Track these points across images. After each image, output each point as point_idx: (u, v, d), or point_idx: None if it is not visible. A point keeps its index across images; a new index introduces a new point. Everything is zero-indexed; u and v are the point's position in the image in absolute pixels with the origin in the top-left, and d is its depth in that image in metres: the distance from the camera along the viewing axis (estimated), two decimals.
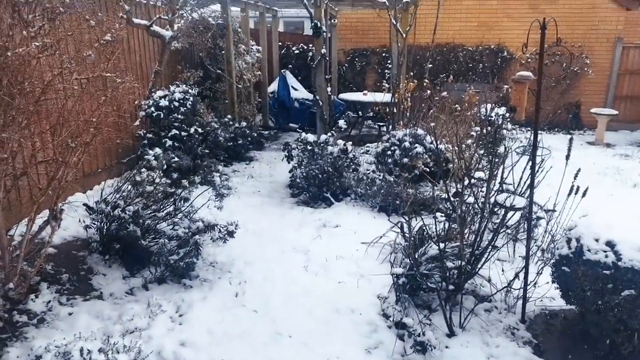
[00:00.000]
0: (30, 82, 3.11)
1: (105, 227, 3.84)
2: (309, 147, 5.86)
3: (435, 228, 3.64)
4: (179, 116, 5.98)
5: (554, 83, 10.31)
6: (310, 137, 5.94)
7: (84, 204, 3.98)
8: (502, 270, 3.71)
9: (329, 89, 7.72)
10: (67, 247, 3.91)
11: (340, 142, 5.99)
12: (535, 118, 3.20)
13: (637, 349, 2.74)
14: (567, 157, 3.71)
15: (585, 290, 2.88)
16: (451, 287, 3.40)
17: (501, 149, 4.07)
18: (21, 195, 4.13)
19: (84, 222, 3.93)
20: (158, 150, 5.12)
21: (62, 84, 3.71)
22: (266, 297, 3.66)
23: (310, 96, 9.20)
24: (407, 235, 3.83)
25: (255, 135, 8.03)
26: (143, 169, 4.27)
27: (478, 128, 6.25)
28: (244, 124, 7.63)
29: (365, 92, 9.47)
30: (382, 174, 5.84)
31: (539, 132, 3.27)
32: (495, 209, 3.66)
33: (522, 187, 3.64)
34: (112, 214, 3.79)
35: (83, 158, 3.52)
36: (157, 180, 4.22)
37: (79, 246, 3.95)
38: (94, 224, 3.87)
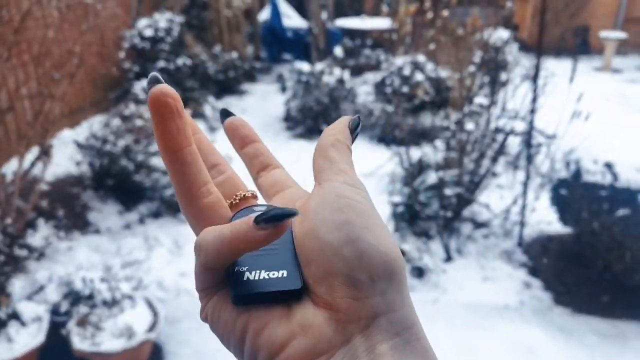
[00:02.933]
0: (7, 11, 2.91)
1: (97, 163, 3.77)
2: (304, 78, 5.67)
3: (435, 156, 3.59)
4: (165, 47, 5.72)
5: (563, 5, 9.85)
6: (305, 67, 5.73)
7: (74, 140, 3.88)
8: (501, 197, 3.71)
9: (324, 16, 7.36)
10: (60, 184, 3.87)
11: (337, 71, 5.80)
12: (539, 38, 3.04)
13: (629, 267, 2.79)
14: (571, 79, 3.59)
15: (581, 212, 2.89)
16: (449, 214, 3.40)
17: (504, 75, 3.93)
18: (9, 130, 4.02)
19: (74, 158, 3.86)
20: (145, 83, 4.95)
21: (41, 11, 3.49)
22: None
23: (304, 24, 8.80)
24: (405, 164, 3.79)
25: (247, 67, 7.76)
26: (131, 103, 4.13)
27: (481, 53, 6.04)
28: (234, 55, 7.34)
29: (363, 17, 9.05)
30: (380, 105, 5.70)
31: (544, 57, 3.13)
32: (496, 135, 3.59)
33: (524, 112, 3.55)
34: (103, 149, 3.70)
35: (69, 91, 3.38)
36: (146, 114, 4.09)
37: (72, 183, 3.91)
38: (85, 159, 3.79)
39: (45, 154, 3.40)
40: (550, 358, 2.54)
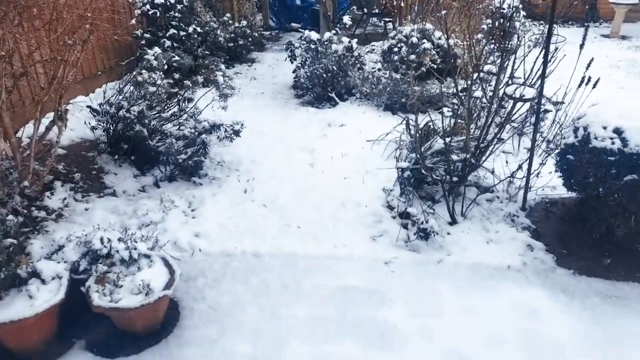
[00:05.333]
0: None
1: (112, 128, 3.85)
2: (313, 46, 5.66)
3: (442, 123, 3.63)
4: (176, 14, 5.71)
5: None
6: (314, 36, 5.71)
7: (88, 106, 3.95)
8: (506, 162, 3.76)
9: None
10: (76, 148, 3.96)
11: (345, 39, 5.77)
12: (552, 4, 3.02)
13: (632, 231, 2.85)
14: (581, 46, 3.58)
15: (588, 177, 2.93)
16: (455, 179, 3.46)
17: (513, 41, 3.91)
18: (23, 96, 4.09)
19: (89, 123, 3.94)
20: (157, 49, 4.96)
21: None
22: (274, 194, 3.76)
23: None
24: (412, 130, 3.83)
25: (256, 35, 7.72)
26: (143, 70, 4.17)
27: (489, 21, 5.97)
28: (244, 23, 7.30)
29: None
30: (387, 72, 5.69)
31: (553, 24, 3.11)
32: (504, 102, 3.61)
33: (532, 79, 3.55)
34: (117, 114, 3.78)
35: (82, 57, 3.43)
36: (159, 81, 4.14)
37: (87, 147, 4.00)
38: (100, 125, 3.88)
39: (60, 118, 3.48)
40: (552, 318, 2.62)
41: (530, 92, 3.56)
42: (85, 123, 3.93)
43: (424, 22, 5.89)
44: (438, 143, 3.64)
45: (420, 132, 3.79)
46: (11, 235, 2.55)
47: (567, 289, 2.83)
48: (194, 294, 2.81)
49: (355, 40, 5.87)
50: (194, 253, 3.10)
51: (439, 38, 5.70)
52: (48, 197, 3.34)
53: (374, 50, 7.01)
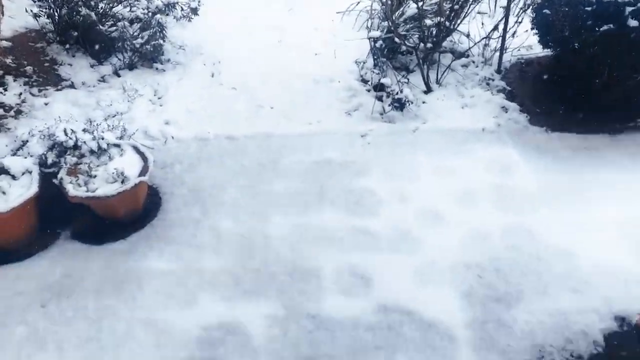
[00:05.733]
0: None
1: (57, 14, 3.50)
2: None
3: None
4: None
5: None
6: None
7: None
8: (482, 24, 3.61)
9: None
10: (22, 39, 3.62)
11: None
12: None
13: (605, 84, 2.86)
14: None
15: (564, 31, 2.84)
16: (429, 45, 3.33)
17: None
18: None
19: (31, 11, 3.56)
20: None
21: None
22: (242, 76, 3.60)
23: None
24: None
25: None
26: None
27: None
28: None
29: None
30: None
31: None
32: None
33: None
34: None
35: None
36: None
37: (34, 37, 3.66)
38: (42, 11, 3.51)
39: None
40: (523, 173, 2.70)
41: None
42: (26, 11, 3.55)
43: None
44: (411, 8, 3.44)
45: None
46: None
47: (540, 145, 2.90)
48: (172, 179, 2.79)
49: None
50: (166, 141, 3.03)
51: None
52: (1, 93, 3.12)
53: None
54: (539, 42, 3.17)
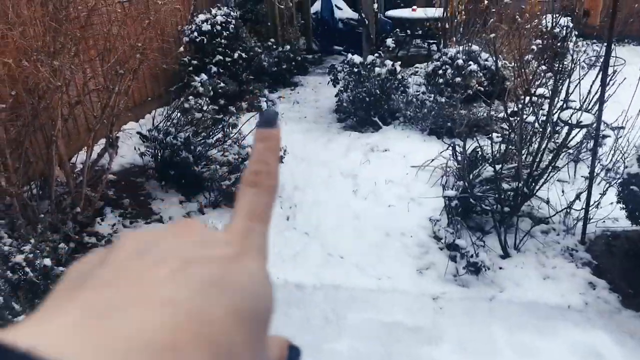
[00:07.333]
0: (74, 7, 3.08)
1: (160, 154, 3.94)
2: (355, 70, 5.64)
3: (492, 148, 3.49)
4: (222, 41, 5.86)
5: None
6: (357, 59, 5.69)
7: (138, 132, 4.07)
8: (562, 192, 3.55)
9: (375, 6, 7.27)
10: (126, 173, 4.07)
11: (388, 62, 5.72)
12: (610, 21, 2.87)
13: None
14: None
15: None
16: (506, 209, 3.30)
17: (566, 63, 3.74)
18: (78, 124, 4.27)
19: (139, 149, 4.04)
20: (204, 76, 5.09)
21: (105, 6, 3.67)
22: (316, 221, 3.71)
23: (355, 15, 8.72)
24: (460, 156, 3.70)
25: (299, 59, 7.80)
26: (190, 96, 4.27)
27: (539, 41, 5.77)
28: (287, 47, 7.40)
29: (414, 7, 8.85)
30: (432, 95, 5.58)
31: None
32: (558, 127, 3.44)
33: (589, 103, 3.37)
34: (164, 141, 3.86)
35: (132, 85, 3.54)
36: (205, 107, 4.22)
37: (136, 173, 4.10)
38: (149, 151, 3.97)
39: (112, 145, 3.59)
40: None
41: (587, 118, 3.38)
42: (135, 149, 4.04)
43: (469, 44, 5.76)
44: (487, 170, 3.50)
45: (467, 158, 3.66)
46: (62, 263, 2.61)
47: (635, 332, 2.60)
48: None
49: (399, 63, 5.81)
50: None
51: (486, 60, 5.55)
52: (99, 223, 3.42)
53: (417, 72, 6.91)
54: (627, 217, 3.03)
